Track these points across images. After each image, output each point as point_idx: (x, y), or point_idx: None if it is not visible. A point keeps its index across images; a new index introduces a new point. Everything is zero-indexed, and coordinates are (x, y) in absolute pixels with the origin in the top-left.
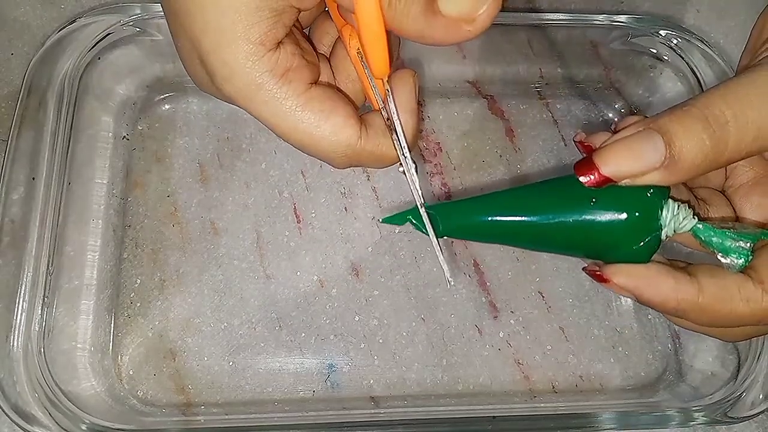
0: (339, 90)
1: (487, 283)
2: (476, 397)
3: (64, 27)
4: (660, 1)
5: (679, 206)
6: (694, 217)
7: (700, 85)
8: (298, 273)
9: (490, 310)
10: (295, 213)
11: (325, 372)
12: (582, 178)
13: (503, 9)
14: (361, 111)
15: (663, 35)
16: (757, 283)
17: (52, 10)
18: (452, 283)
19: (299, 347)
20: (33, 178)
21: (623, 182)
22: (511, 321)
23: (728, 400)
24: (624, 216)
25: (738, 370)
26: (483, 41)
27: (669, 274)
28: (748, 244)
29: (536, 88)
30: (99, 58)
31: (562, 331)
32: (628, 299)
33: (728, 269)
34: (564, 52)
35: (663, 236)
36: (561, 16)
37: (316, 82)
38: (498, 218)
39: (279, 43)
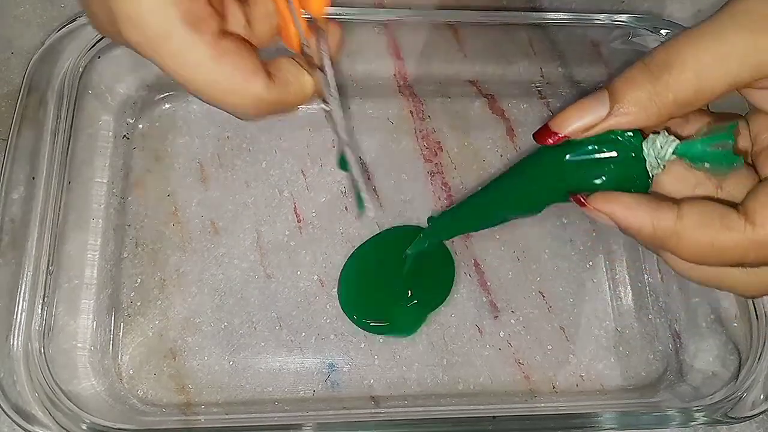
0: (246, 34)
1: (488, 283)
2: (476, 396)
3: (65, 26)
4: (660, 0)
5: (655, 135)
6: (674, 141)
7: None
8: (299, 272)
9: (490, 310)
10: (296, 212)
11: (326, 371)
12: (543, 143)
13: (504, 8)
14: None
15: (664, 35)
16: (742, 214)
17: (52, 9)
18: (365, 213)
19: (299, 347)
20: (33, 178)
21: (581, 134)
22: (512, 321)
23: (729, 400)
24: (605, 165)
25: (739, 370)
26: (484, 41)
27: (649, 199)
28: (730, 144)
29: (537, 87)
30: (99, 57)
31: (563, 331)
32: (629, 299)
33: (725, 177)
34: (565, 52)
35: (650, 171)
36: (562, 15)
37: (224, 32)
38: (492, 214)
39: None
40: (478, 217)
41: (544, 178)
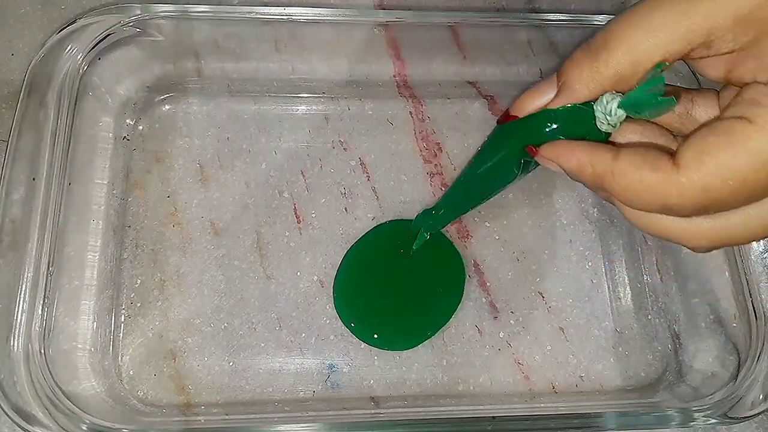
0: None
1: (487, 284)
2: (476, 397)
3: (65, 27)
4: None
5: (602, 97)
6: (616, 96)
7: (700, 85)
8: (299, 273)
9: (490, 311)
10: (296, 213)
11: (326, 372)
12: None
13: (503, 9)
14: None
15: None
16: (671, 158)
17: (52, 10)
18: None
19: (299, 347)
20: (33, 179)
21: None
22: (511, 321)
23: (728, 401)
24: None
25: (738, 371)
26: (483, 41)
27: (591, 143)
28: (661, 85)
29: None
30: (99, 59)
31: (562, 331)
32: (628, 300)
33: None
34: (564, 53)
35: (601, 128)
36: (561, 16)
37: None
38: (474, 190)
39: None
40: (464, 198)
41: (508, 146)
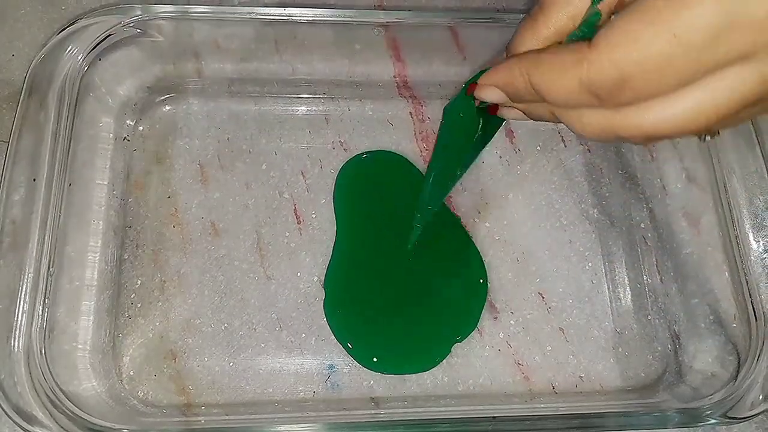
0: None
1: (488, 284)
2: (476, 397)
3: (65, 28)
4: None
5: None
6: None
7: None
8: (299, 274)
9: (490, 311)
10: (296, 214)
11: (326, 372)
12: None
13: (503, 10)
14: None
15: None
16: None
17: (53, 11)
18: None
19: (299, 348)
20: (34, 179)
21: None
22: (511, 322)
23: (728, 401)
24: None
25: (738, 371)
26: (483, 42)
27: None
28: (597, 19)
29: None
30: (100, 59)
31: (562, 331)
32: (628, 300)
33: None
34: None
35: None
36: None
37: None
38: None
39: None
40: (445, 175)
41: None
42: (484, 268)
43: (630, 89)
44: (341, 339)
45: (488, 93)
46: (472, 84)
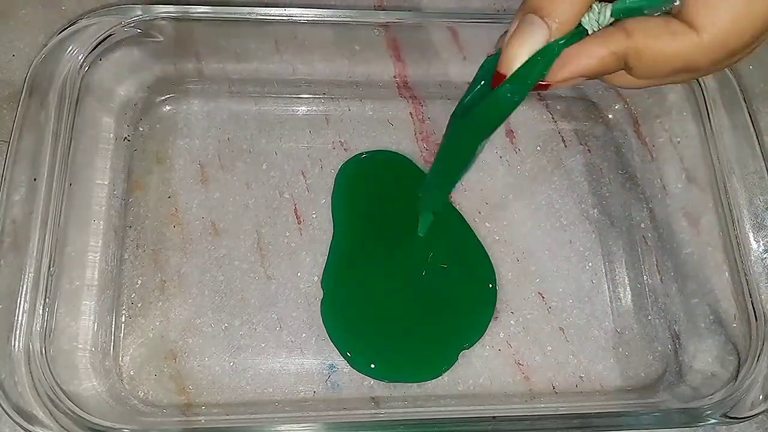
0: None
1: (497, 288)
2: (476, 397)
3: (66, 28)
4: None
5: (593, 8)
6: (607, 6)
7: (700, 86)
8: (299, 273)
9: None
10: (296, 214)
11: (326, 372)
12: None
13: (503, 10)
14: None
15: None
16: (683, 21)
17: (53, 11)
18: None
19: (300, 348)
20: (34, 179)
21: None
22: (512, 322)
23: (728, 401)
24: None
25: (738, 371)
26: (483, 43)
27: (591, 39)
28: None
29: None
30: (100, 60)
31: (562, 331)
32: (628, 300)
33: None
34: None
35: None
36: None
37: None
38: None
39: None
40: (454, 162)
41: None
42: (494, 272)
43: (730, 61)
44: (338, 344)
45: (566, 83)
46: (536, 86)
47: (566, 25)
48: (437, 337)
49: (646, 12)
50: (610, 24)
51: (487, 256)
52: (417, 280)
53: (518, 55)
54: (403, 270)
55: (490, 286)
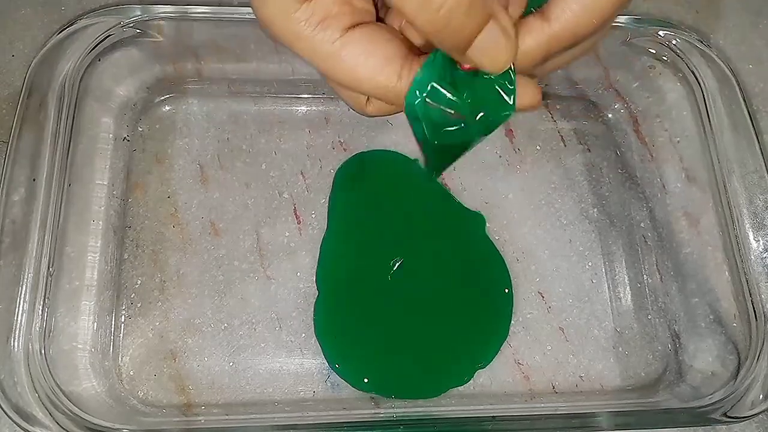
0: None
1: (512, 294)
2: (476, 397)
3: (65, 29)
4: (659, 1)
5: None
6: None
7: (700, 86)
8: (299, 274)
9: None
10: (295, 214)
11: (326, 372)
12: None
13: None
14: None
15: (662, 36)
16: (538, 16)
17: (52, 11)
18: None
19: (299, 348)
20: (33, 179)
21: None
22: (512, 321)
23: (728, 400)
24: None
25: (738, 370)
26: None
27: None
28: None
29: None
30: (99, 60)
31: (562, 331)
32: (628, 300)
33: None
34: None
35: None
36: None
37: (358, 24)
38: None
39: None
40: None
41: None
42: (509, 274)
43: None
44: (327, 354)
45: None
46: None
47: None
48: (445, 354)
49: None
50: None
51: (500, 255)
52: (420, 288)
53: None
54: (403, 277)
55: (506, 291)
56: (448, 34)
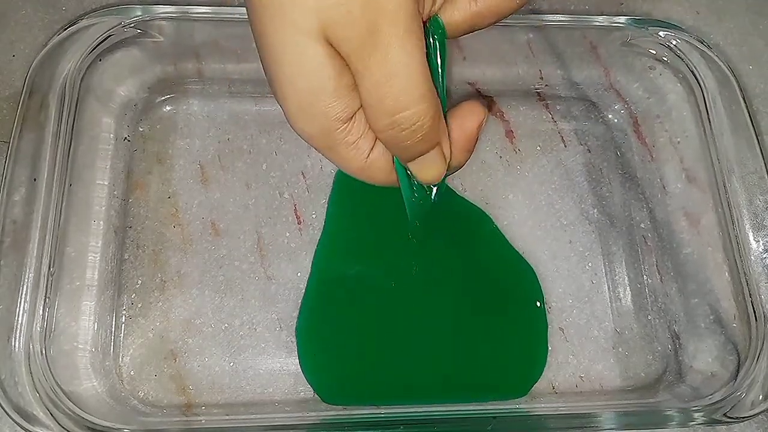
0: None
1: (545, 307)
2: None
3: (66, 29)
4: (659, 2)
5: None
6: None
7: (700, 86)
8: (299, 274)
9: None
10: (296, 214)
11: None
12: None
13: None
14: None
15: (662, 36)
16: None
17: (53, 12)
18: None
19: None
20: (34, 179)
21: None
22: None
23: (728, 401)
24: None
25: (738, 371)
26: (483, 43)
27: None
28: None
29: (536, 89)
30: (100, 60)
31: (562, 331)
32: (628, 300)
33: None
34: (564, 54)
35: None
36: (560, 17)
37: (375, 141)
38: None
39: (354, 114)
40: None
41: None
42: (539, 285)
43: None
44: (308, 377)
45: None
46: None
47: None
48: (463, 392)
49: None
50: None
51: (528, 264)
52: (431, 295)
53: None
54: (408, 292)
55: (538, 304)
56: (401, 148)
